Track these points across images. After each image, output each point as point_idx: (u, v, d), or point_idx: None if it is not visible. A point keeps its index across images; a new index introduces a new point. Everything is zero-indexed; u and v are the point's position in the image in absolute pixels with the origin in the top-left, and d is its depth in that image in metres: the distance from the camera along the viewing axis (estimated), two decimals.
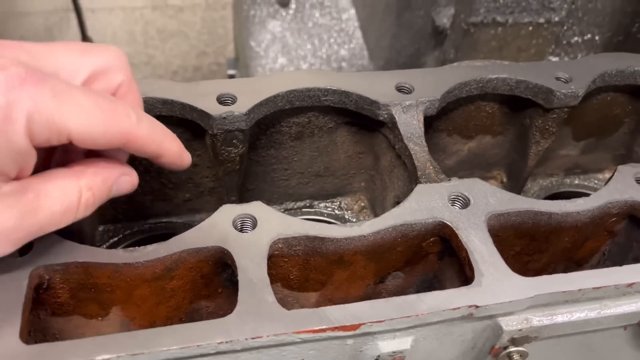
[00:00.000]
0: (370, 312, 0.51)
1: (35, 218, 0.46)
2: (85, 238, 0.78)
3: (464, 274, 0.59)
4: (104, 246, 0.82)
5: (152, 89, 0.70)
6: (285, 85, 0.73)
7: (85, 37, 2.82)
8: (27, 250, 0.53)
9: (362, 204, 0.91)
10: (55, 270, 0.53)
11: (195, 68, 3.25)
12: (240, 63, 2.23)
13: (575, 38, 1.65)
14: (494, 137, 0.89)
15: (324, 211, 0.91)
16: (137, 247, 0.54)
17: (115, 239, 0.83)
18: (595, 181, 1.00)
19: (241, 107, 0.69)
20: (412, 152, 0.70)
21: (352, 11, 2.03)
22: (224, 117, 0.69)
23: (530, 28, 1.54)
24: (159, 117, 0.71)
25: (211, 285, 0.60)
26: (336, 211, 0.91)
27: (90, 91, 0.48)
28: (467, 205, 0.61)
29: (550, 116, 0.81)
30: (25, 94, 0.43)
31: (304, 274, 0.61)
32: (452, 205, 0.61)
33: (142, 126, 0.50)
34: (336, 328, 0.49)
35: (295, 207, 0.90)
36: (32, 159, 0.46)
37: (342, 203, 0.91)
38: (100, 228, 0.84)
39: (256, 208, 0.59)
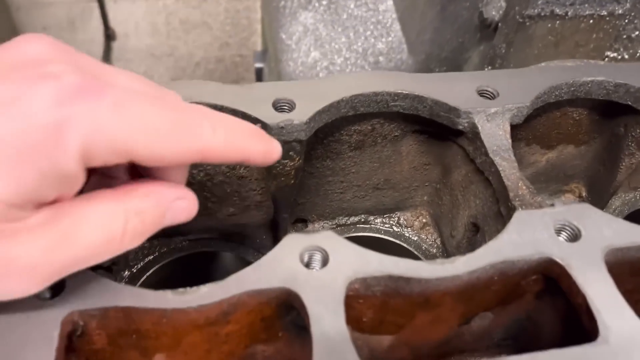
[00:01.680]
0: None
1: (69, 250, 0.38)
2: (118, 260, 0.69)
3: (576, 322, 0.49)
4: (139, 265, 0.74)
5: (200, 92, 0.60)
6: (349, 89, 0.63)
7: (107, 28, 2.75)
8: (59, 290, 0.44)
9: (424, 220, 0.81)
10: (92, 315, 0.44)
11: (218, 59, 3.17)
12: (270, 56, 2.13)
13: (637, 32, 1.52)
14: (577, 147, 0.78)
15: (381, 227, 0.81)
16: (188, 289, 0.45)
17: (151, 257, 0.75)
18: None
19: (301, 114, 0.60)
20: (500, 169, 0.60)
21: (390, 2, 1.92)
22: (282, 127, 0.59)
23: (591, 21, 1.41)
24: None
25: (272, 329, 0.50)
26: (394, 228, 0.81)
27: (156, 98, 0.39)
28: (577, 237, 0.51)
29: None
30: (81, 110, 0.35)
31: (379, 316, 0.52)
32: (559, 237, 0.51)
33: (218, 135, 0.41)
34: None
35: (349, 222, 0.81)
36: (79, 183, 0.38)
37: (402, 219, 0.81)
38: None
39: (327, 239, 0.49)
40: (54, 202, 0.38)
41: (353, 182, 0.75)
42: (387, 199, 0.79)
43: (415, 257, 0.79)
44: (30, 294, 0.38)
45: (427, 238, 0.80)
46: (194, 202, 0.44)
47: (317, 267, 0.47)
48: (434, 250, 0.79)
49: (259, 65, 2.24)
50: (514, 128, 0.69)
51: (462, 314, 0.54)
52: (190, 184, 0.69)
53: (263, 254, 0.70)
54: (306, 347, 0.44)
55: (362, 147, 0.71)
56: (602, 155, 0.78)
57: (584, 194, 0.85)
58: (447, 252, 0.77)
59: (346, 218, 0.80)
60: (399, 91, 0.64)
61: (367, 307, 0.50)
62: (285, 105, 0.61)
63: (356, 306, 0.50)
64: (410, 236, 0.80)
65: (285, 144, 0.61)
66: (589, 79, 0.67)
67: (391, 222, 0.81)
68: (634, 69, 0.69)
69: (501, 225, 0.60)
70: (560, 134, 0.76)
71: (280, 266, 0.47)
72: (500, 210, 0.60)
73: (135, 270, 0.73)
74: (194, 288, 0.45)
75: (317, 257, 0.48)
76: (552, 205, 0.54)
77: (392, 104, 0.65)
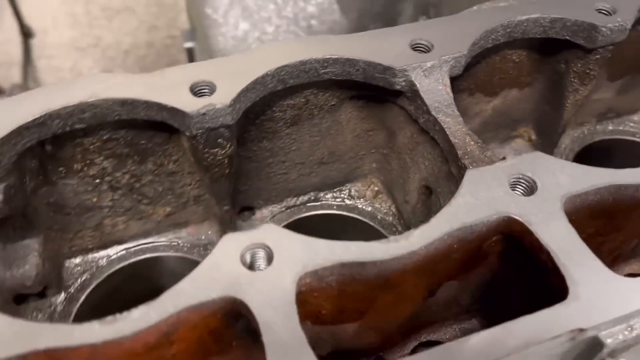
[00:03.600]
0: None
1: None
2: (49, 282, 0.63)
3: (543, 279, 0.46)
4: (76, 284, 0.67)
5: (106, 86, 0.54)
6: (274, 61, 0.57)
7: (22, 25, 2.57)
8: None
9: (376, 188, 0.77)
10: None
11: (148, 44, 3.02)
12: (198, 34, 2.03)
13: None
14: (520, 90, 0.75)
15: (333, 202, 0.77)
16: (117, 315, 0.39)
17: (87, 275, 0.68)
18: (631, 124, 0.87)
19: (223, 96, 0.54)
20: (445, 126, 0.56)
21: None
22: (203, 114, 0.53)
23: None
24: (119, 122, 0.56)
25: (223, 340, 0.46)
26: (346, 201, 0.77)
27: None
28: (533, 190, 0.48)
29: (592, 57, 0.67)
30: None
31: (338, 306, 0.48)
32: (515, 192, 0.48)
33: None
34: None
35: (299, 202, 0.76)
36: None
37: (352, 190, 0.77)
38: (66, 264, 0.68)
39: (268, 233, 0.44)
40: None
41: (295, 160, 0.70)
42: (334, 172, 0.75)
43: (372, 229, 0.75)
44: None
45: (381, 207, 0.76)
46: None
47: (262, 267, 0.42)
48: (390, 218, 0.75)
49: (188, 44, 2.13)
50: (454, 80, 0.65)
51: (425, 288, 0.51)
52: (116, 188, 0.63)
53: (210, 251, 0.65)
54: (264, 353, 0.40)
55: (298, 122, 0.66)
56: (546, 95, 0.76)
57: (533, 137, 0.82)
58: (403, 218, 0.74)
59: (295, 199, 0.76)
60: (328, 56, 0.58)
61: (323, 299, 0.46)
62: (204, 89, 0.55)
63: (312, 300, 0.45)
64: (364, 207, 0.76)
65: (211, 131, 0.55)
66: (524, 17, 0.64)
67: (342, 195, 0.77)
68: (567, 1, 0.65)
69: (454, 185, 0.56)
70: (503, 79, 0.72)
71: (220, 271, 0.42)
72: (451, 170, 0.56)
73: (72, 291, 0.67)
74: (124, 314, 0.40)
75: (261, 254, 0.43)
76: (504, 158, 0.51)
77: (323, 71, 0.59)
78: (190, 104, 0.53)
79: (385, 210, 0.76)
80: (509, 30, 0.64)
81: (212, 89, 0.54)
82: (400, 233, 0.73)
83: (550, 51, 0.70)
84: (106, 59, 3.05)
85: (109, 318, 0.39)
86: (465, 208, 0.46)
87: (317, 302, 0.46)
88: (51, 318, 0.65)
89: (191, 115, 0.53)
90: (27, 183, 0.56)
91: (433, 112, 0.57)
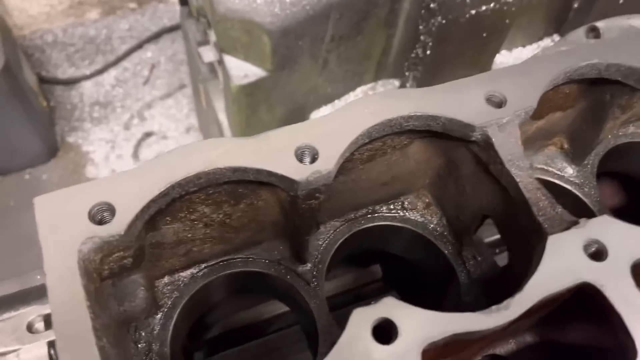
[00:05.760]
0: None
1: None
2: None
3: (609, 335, 0.55)
4: (169, 304, 0.74)
5: (218, 153, 0.58)
6: (365, 121, 0.62)
7: None
8: None
9: (427, 200, 0.84)
10: None
11: None
12: None
13: None
14: (564, 112, 0.82)
15: (387, 214, 0.84)
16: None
17: (177, 293, 0.75)
18: None
19: (326, 162, 0.59)
20: (518, 180, 0.63)
21: None
22: (311, 180, 0.58)
23: None
24: (227, 183, 0.60)
25: None
26: (400, 212, 0.84)
27: None
28: (603, 255, 0.56)
29: (638, 95, 0.73)
30: None
31: (439, 355, 0.57)
32: (588, 257, 0.56)
33: None
34: None
35: (358, 215, 0.83)
36: None
37: (405, 202, 0.84)
38: (156, 284, 0.75)
39: (390, 307, 0.52)
40: None
41: (362, 185, 0.76)
42: (392, 189, 0.81)
43: (423, 238, 0.83)
44: None
45: (432, 218, 0.84)
46: None
47: (390, 340, 0.50)
48: (440, 229, 0.83)
49: None
50: None
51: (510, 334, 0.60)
52: (209, 225, 0.69)
53: (282, 264, 0.72)
54: None
55: (372, 160, 0.71)
56: (586, 116, 0.82)
57: (566, 145, 0.90)
58: (454, 231, 0.82)
59: (354, 212, 0.82)
60: (412, 114, 0.63)
61: (430, 354, 0.54)
62: (305, 152, 0.60)
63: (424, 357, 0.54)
64: (416, 218, 0.84)
65: (312, 189, 0.61)
66: (584, 63, 0.69)
67: (396, 207, 0.84)
68: (622, 47, 0.70)
69: (515, 221, 0.64)
70: (551, 107, 0.78)
71: (356, 348, 0.50)
72: (521, 220, 0.63)
73: (166, 309, 0.74)
74: None
75: (387, 329, 0.51)
76: (577, 222, 0.59)
77: (405, 124, 0.65)
78: (298, 171, 0.58)
79: (435, 222, 0.84)
80: (568, 75, 0.69)
81: (313, 154, 0.59)
82: (450, 243, 0.82)
83: (599, 84, 0.75)
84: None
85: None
86: (550, 275, 0.54)
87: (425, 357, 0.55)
88: (151, 336, 0.72)
89: (299, 181, 0.58)
90: (144, 237, 0.61)
91: (507, 166, 0.63)
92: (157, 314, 0.73)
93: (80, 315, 0.48)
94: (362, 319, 0.51)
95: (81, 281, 0.50)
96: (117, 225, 0.53)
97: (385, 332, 0.51)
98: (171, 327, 0.73)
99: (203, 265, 0.77)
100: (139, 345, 0.71)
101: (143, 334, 0.72)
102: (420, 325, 0.51)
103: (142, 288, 0.66)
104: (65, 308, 0.48)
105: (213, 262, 0.77)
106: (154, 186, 0.55)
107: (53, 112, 3.14)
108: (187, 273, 0.76)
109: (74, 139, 3.13)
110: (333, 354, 0.49)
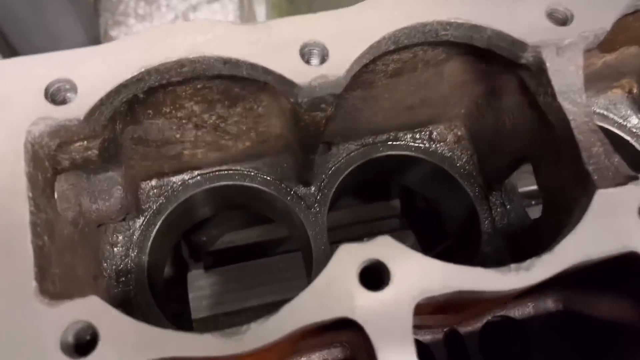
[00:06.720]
0: None
1: None
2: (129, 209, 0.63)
3: None
4: (154, 209, 0.67)
5: (206, 39, 0.48)
6: (391, 21, 0.50)
7: None
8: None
9: (459, 133, 0.73)
10: None
11: None
12: None
13: None
14: None
15: (411, 144, 0.73)
16: (237, 328, 0.40)
17: (162, 199, 0.68)
18: None
19: (336, 66, 0.48)
20: (570, 117, 0.51)
21: None
22: (315, 86, 0.48)
23: None
24: (217, 77, 0.51)
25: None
26: (426, 143, 0.73)
27: None
28: None
29: None
30: None
31: (437, 309, 0.48)
32: None
33: None
34: None
35: (377, 140, 0.73)
36: None
37: (434, 133, 0.73)
38: (142, 185, 0.67)
39: (385, 249, 0.43)
40: None
41: (385, 106, 0.66)
42: (419, 116, 0.70)
43: (448, 175, 0.73)
44: None
45: (462, 154, 0.73)
46: None
47: (379, 287, 0.42)
48: (469, 168, 0.72)
49: None
50: None
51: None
52: (200, 127, 0.60)
53: (283, 183, 0.64)
54: None
55: (399, 75, 0.60)
56: None
57: (635, 90, 0.76)
58: (484, 172, 0.71)
59: (373, 137, 0.72)
60: (453, 20, 0.51)
61: (427, 309, 0.46)
62: (314, 50, 0.49)
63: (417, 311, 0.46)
64: (443, 152, 0.73)
65: (316, 98, 0.51)
66: None
67: (422, 136, 0.73)
68: None
69: (558, 168, 0.53)
70: (628, 37, 0.64)
71: (337, 287, 0.41)
72: (565, 165, 0.52)
73: (149, 215, 0.67)
74: (244, 327, 0.40)
75: (378, 273, 0.42)
76: (636, 178, 0.47)
77: (443, 33, 0.53)
78: (300, 74, 0.48)
79: (465, 159, 0.73)
80: None
81: (323, 53, 0.49)
82: (478, 185, 0.72)
83: None
84: None
85: (230, 330, 0.40)
86: (591, 238, 0.44)
87: (421, 310, 0.46)
88: (130, 241, 0.66)
89: (300, 86, 0.48)
90: (118, 129, 0.53)
91: (559, 98, 0.51)
92: (139, 218, 0.67)
93: (17, 206, 0.41)
94: (349, 257, 0.42)
95: (25, 167, 0.42)
96: (77, 108, 0.45)
97: (375, 276, 0.42)
98: (152, 235, 0.67)
99: (196, 173, 0.69)
100: (115, 249, 0.65)
101: (121, 237, 0.66)
102: (418, 273, 0.42)
103: (119, 187, 0.59)
104: (1, 194, 0.41)
105: (207, 171, 0.69)
106: (126, 69, 0.46)
107: (98, 2, 3.06)
108: (178, 178, 0.69)
109: (116, 32, 3.05)
110: (307, 292, 0.41)
